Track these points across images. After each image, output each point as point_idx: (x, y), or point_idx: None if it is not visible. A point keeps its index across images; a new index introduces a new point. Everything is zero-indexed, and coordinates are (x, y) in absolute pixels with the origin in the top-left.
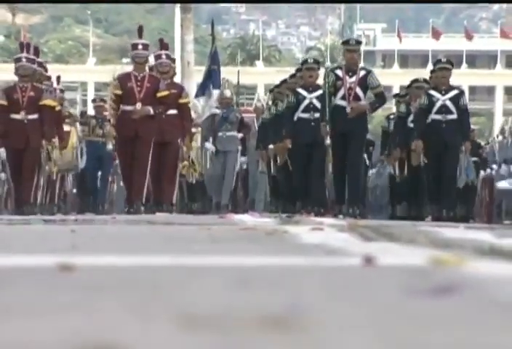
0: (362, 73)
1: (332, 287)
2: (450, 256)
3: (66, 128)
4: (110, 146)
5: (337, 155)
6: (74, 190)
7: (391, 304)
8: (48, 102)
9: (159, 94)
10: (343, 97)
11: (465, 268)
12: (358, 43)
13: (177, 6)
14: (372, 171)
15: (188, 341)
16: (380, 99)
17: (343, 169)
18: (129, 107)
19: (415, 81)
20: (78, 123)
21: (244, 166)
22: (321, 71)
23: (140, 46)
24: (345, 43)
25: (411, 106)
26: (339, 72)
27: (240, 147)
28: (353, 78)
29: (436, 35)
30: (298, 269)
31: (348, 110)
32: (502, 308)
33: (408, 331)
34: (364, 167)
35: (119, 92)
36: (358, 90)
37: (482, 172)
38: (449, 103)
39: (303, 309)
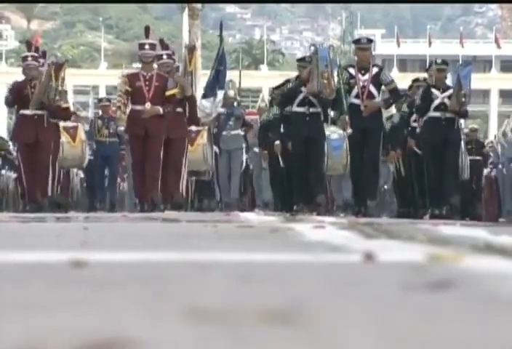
0: (375, 70)
1: (333, 282)
2: (447, 252)
3: (73, 123)
4: (121, 128)
5: (353, 153)
6: (84, 185)
7: (391, 299)
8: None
9: (168, 93)
10: (357, 96)
11: (462, 264)
12: (370, 41)
13: (185, 13)
14: None
15: (197, 334)
16: (394, 95)
17: (360, 167)
18: (138, 107)
19: (416, 80)
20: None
21: (251, 165)
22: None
23: (147, 46)
24: (357, 41)
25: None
26: (351, 70)
27: (244, 145)
28: (366, 76)
29: (497, 42)
30: (301, 265)
31: (363, 107)
32: (497, 302)
33: (406, 324)
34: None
35: (129, 89)
36: (372, 88)
37: (485, 171)
38: (447, 101)
39: (306, 303)
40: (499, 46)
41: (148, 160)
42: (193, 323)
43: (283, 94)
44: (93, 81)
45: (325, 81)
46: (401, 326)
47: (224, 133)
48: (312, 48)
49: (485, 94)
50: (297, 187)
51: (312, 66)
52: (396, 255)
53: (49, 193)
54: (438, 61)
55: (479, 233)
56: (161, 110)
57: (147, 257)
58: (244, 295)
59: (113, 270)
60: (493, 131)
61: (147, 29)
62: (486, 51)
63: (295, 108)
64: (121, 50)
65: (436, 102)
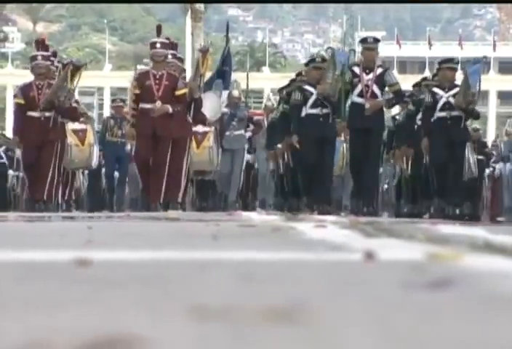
0: (379, 70)
1: (334, 281)
2: (447, 251)
3: (82, 126)
4: (128, 147)
5: (354, 153)
6: (85, 187)
7: (391, 298)
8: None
9: (177, 92)
10: (360, 94)
11: (461, 263)
12: (376, 41)
13: (188, 16)
14: None
15: (198, 333)
16: (398, 96)
17: (360, 166)
18: (148, 106)
19: (424, 79)
20: (95, 124)
21: (256, 165)
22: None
23: (158, 45)
24: (363, 41)
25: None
26: (356, 69)
27: (247, 146)
28: (370, 76)
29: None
30: (302, 264)
31: (367, 106)
32: (497, 301)
33: (406, 324)
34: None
35: (138, 92)
36: (375, 87)
37: (487, 170)
38: (452, 100)
39: (307, 302)
40: (494, 50)
41: (154, 165)
42: (194, 323)
43: (292, 109)
44: (98, 82)
45: (336, 85)
46: (401, 326)
47: (227, 133)
48: (329, 50)
49: (483, 95)
50: (304, 188)
51: (326, 68)
52: (396, 254)
53: (50, 194)
54: (449, 60)
55: (479, 231)
56: (170, 109)
57: (149, 256)
58: (245, 294)
59: (115, 270)
60: (492, 133)
61: (158, 28)
62: (485, 53)
63: (309, 110)
64: (126, 52)
65: (441, 101)
